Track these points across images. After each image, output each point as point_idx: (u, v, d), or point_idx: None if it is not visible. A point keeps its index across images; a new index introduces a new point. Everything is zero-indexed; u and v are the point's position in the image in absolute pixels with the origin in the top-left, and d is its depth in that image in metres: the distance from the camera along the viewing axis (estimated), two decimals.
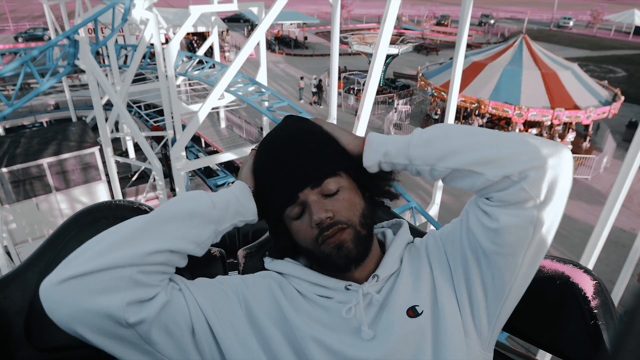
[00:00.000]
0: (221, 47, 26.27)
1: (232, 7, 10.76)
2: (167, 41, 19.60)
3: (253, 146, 0.87)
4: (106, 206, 1.01)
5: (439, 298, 0.80)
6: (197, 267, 0.98)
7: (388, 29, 7.32)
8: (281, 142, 0.86)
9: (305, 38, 35.77)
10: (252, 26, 36.08)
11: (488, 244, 0.75)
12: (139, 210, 1.00)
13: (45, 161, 9.35)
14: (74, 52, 8.56)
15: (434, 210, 10.34)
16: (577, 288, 0.82)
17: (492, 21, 45.55)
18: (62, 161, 9.63)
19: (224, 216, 0.78)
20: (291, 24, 35.37)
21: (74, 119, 16.31)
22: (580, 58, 33.55)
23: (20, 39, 31.16)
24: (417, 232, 1.06)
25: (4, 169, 8.86)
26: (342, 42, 24.61)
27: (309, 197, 0.82)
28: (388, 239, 0.92)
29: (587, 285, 0.82)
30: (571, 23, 48.91)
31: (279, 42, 34.07)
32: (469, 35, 38.27)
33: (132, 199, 11.76)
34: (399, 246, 0.90)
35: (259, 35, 8.76)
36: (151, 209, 1.01)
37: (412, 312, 0.79)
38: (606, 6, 48.06)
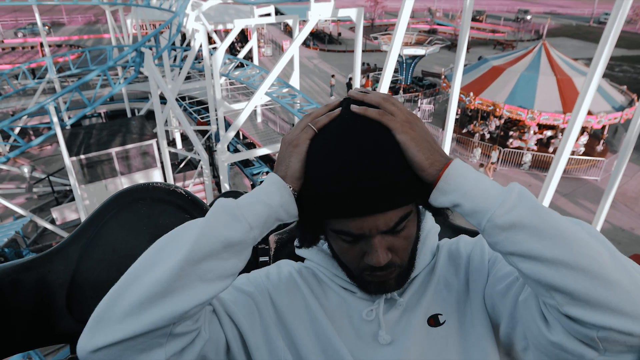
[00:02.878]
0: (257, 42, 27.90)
1: (270, 20, 12.31)
2: (208, 37, 21.41)
3: (309, 123, 0.75)
4: (144, 188, 1.05)
5: (469, 312, 0.78)
6: None
7: (400, 32, 8.57)
8: (355, 150, 0.68)
9: (339, 34, 36.92)
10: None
11: (532, 336, 0.66)
12: (174, 193, 1.05)
13: (113, 150, 11.30)
14: (140, 61, 10.32)
15: None
16: None
17: (528, 17, 44.91)
18: (127, 150, 11.54)
19: (261, 232, 0.68)
20: (326, 20, 36.51)
21: (128, 110, 18.41)
22: (615, 57, 33.07)
23: (20, 34, 34.15)
24: (450, 227, 1.01)
25: (82, 156, 10.82)
26: (374, 38, 25.76)
27: (376, 238, 0.71)
28: None
29: None
30: None
31: (314, 38, 35.34)
32: (502, 32, 38.52)
33: (179, 183, 13.62)
34: (425, 241, 0.83)
35: (293, 49, 10.27)
36: (186, 193, 1.07)
37: (434, 321, 0.77)
38: None
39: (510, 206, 0.61)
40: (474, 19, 44.03)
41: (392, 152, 0.69)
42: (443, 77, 18.98)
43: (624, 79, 28.23)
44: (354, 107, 0.73)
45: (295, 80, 12.96)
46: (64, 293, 1.01)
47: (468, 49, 33.03)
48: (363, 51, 30.78)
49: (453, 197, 0.66)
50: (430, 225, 0.87)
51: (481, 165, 14.94)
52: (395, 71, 23.50)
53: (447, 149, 10.77)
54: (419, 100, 20.31)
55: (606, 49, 6.15)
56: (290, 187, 0.71)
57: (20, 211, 10.29)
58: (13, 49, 35.44)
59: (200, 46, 12.31)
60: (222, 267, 0.65)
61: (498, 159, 15.06)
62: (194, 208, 1.05)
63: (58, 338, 1.03)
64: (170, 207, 1.04)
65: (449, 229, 1.00)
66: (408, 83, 22.82)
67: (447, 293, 0.81)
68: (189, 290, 0.62)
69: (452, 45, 34.09)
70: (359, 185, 0.67)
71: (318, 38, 35.51)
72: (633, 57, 33.61)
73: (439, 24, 40.53)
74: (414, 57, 21.82)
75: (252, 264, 1.09)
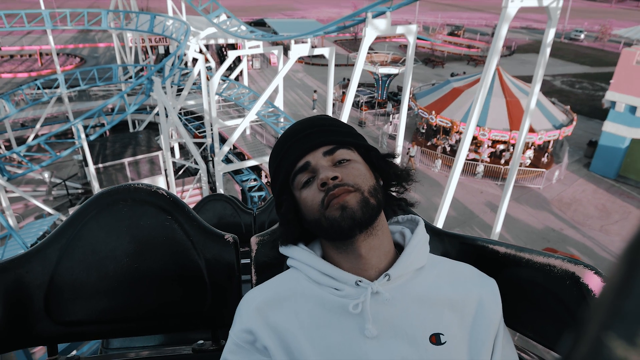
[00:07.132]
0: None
1: (259, 50, 14.52)
2: (201, 51, 23.63)
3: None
4: (125, 189, 1.05)
5: (466, 339, 0.77)
6: (211, 253, 1.08)
7: (362, 55, 10.78)
8: (297, 126, 0.87)
9: None
10: (276, 33, 39.74)
11: None
12: (156, 194, 1.06)
13: (126, 160, 13.41)
14: (150, 87, 12.44)
15: None
16: (587, 289, 0.79)
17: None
18: (137, 160, 13.64)
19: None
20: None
21: (130, 122, 20.46)
22: (578, 75, 35.70)
23: None
24: (434, 231, 1.02)
25: (100, 165, 12.90)
26: (354, 51, 28.10)
27: (319, 161, 0.81)
28: (407, 239, 0.87)
29: (598, 287, 0.79)
30: (582, 36, 49.90)
31: None
32: (477, 48, 41.13)
33: (179, 189, 15.72)
34: (417, 245, 0.84)
35: (278, 80, 12.50)
36: (168, 194, 1.09)
37: (435, 339, 0.75)
38: (614, 21, 49.65)
39: None
40: (452, 34, 46.69)
41: (334, 121, 0.89)
42: (411, 95, 21.37)
43: (582, 95, 30.51)
44: None
45: (279, 101, 15.19)
46: (42, 294, 1.00)
47: (442, 64, 35.84)
48: (345, 65, 33.32)
49: None
50: (421, 233, 0.88)
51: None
52: (373, 87, 25.88)
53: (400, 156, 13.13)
54: (391, 115, 22.67)
55: (488, 75, 8.49)
56: None
57: (50, 211, 12.30)
58: (11, 56, 37.02)
59: (199, 71, 14.48)
60: None
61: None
62: (176, 209, 1.07)
63: (35, 340, 1.03)
64: (151, 208, 1.05)
65: (431, 233, 0.98)
66: (383, 98, 25.19)
67: (450, 315, 0.78)
68: None
69: (428, 61, 36.58)
70: (303, 134, 0.84)
71: None
72: (594, 75, 35.35)
73: (418, 39, 42.90)
74: (388, 75, 24.20)
75: (234, 267, 1.10)
